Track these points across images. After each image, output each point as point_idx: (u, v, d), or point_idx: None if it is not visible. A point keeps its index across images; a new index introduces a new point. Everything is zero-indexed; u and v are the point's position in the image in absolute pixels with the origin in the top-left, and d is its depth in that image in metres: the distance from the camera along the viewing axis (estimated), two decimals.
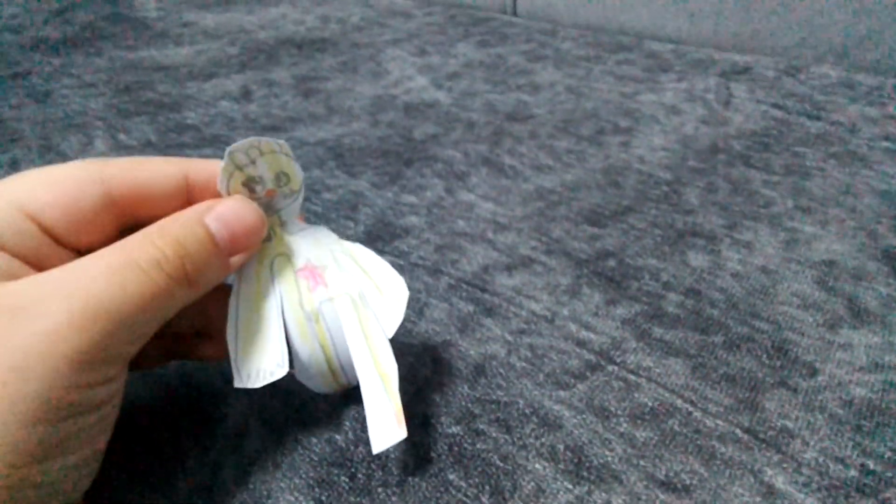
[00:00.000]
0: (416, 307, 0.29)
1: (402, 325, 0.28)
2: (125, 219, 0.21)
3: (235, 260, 0.20)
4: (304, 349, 0.22)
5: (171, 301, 0.18)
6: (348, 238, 0.34)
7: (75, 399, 0.16)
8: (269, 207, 0.22)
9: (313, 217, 0.36)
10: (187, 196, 0.21)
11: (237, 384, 0.21)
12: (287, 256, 0.22)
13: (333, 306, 0.22)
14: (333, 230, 0.34)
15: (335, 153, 0.43)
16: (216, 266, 0.20)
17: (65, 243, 0.20)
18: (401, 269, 0.32)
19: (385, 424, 0.20)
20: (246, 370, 0.21)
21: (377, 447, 0.20)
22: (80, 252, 0.20)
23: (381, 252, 0.33)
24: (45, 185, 0.19)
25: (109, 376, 0.18)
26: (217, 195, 0.21)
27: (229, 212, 0.20)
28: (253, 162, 0.21)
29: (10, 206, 0.19)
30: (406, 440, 0.23)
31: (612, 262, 0.32)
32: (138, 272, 0.17)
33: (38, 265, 0.19)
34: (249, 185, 0.21)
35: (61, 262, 0.18)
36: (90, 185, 0.20)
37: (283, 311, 0.22)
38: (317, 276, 0.22)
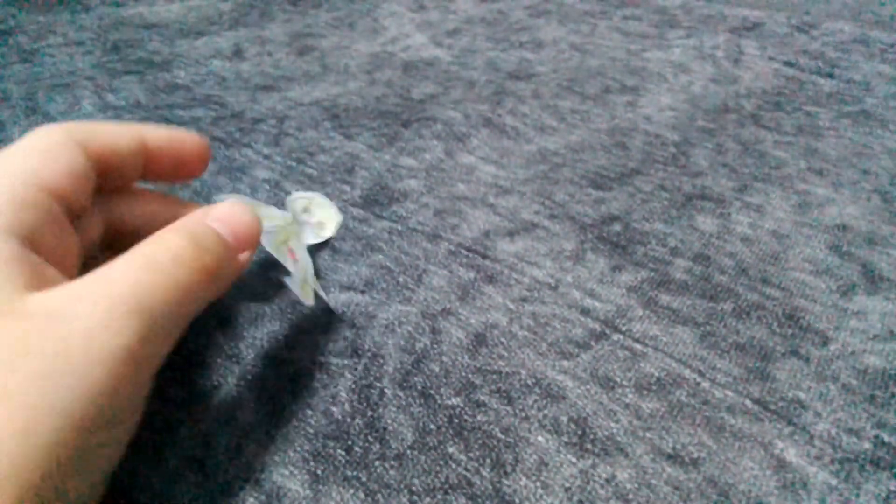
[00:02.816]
0: (414, 274, 0.28)
1: (399, 293, 0.27)
2: (99, 178, 0.21)
3: (243, 257, 0.21)
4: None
5: (197, 296, 0.18)
6: (345, 203, 0.33)
7: (117, 404, 0.16)
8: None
9: (308, 181, 0.35)
10: (144, 161, 0.22)
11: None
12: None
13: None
14: (329, 194, 0.33)
15: (331, 114, 0.42)
16: (230, 261, 0.20)
17: (70, 210, 0.19)
18: (399, 234, 0.31)
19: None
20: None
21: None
22: (77, 218, 0.20)
23: (378, 217, 0.32)
24: (46, 153, 0.19)
25: (146, 379, 0.17)
26: (171, 158, 0.22)
27: (227, 214, 0.20)
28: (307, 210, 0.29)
29: (33, 185, 0.18)
30: (404, 412, 0.22)
31: (617, 227, 0.31)
32: (165, 271, 0.17)
33: (56, 251, 0.18)
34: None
35: (72, 246, 0.19)
36: (75, 147, 0.19)
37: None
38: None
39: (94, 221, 0.22)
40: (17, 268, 0.16)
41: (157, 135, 0.22)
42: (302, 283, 0.24)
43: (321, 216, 0.30)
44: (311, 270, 0.26)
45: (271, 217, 0.25)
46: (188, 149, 0.23)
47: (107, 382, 0.15)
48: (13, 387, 0.14)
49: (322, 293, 0.26)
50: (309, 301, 0.24)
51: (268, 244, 0.23)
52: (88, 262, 0.21)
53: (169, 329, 0.18)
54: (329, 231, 0.30)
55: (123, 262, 0.17)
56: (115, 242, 0.23)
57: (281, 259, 0.24)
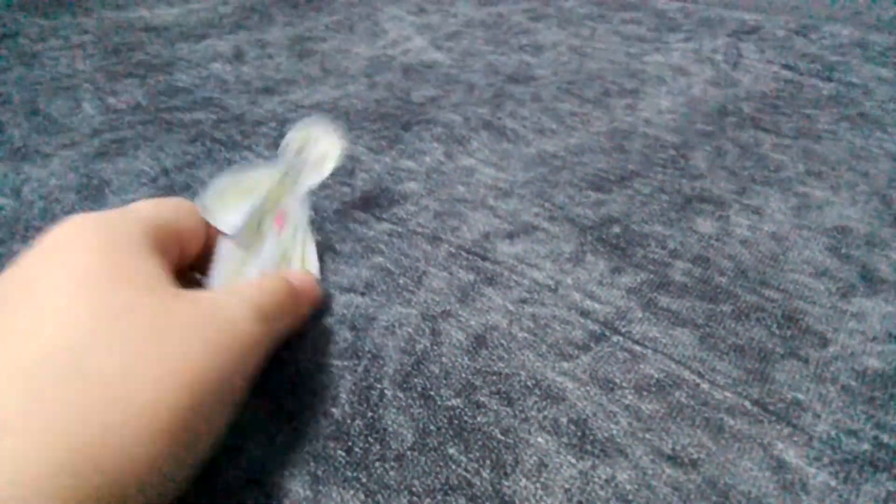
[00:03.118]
0: (414, 276, 0.29)
1: (399, 295, 0.27)
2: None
3: (307, 309, 0.24)
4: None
5: (291, 316, 0.23)
6: (344, 204, 0.33)
7: (244, 384, 0.19)
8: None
9: None
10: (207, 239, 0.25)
11: None
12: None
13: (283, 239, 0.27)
14: (329, 196, 0.33)
15: (331, 116, 0.42)
16: (307, 300, 0.24)
17: (182, 259, 0.23)
18: (399, 237, 0.31)
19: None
20: None
21: None
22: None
23: (378, 219, 0.32)
24: (188, 214, 0.23)
25: (256, 369, 0.20)
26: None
27: (298, 277, 0.24)
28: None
29: (171, 224, 0.22)
30: (404, 413, 0.22)
31: (617, 229, 0.31)
32: (277, 294, 0.22)
33: None
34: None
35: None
36: (202, 222, 0.24)
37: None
38: (281, 217, 0.26)
39: None
40: (166, 271, 0.20)
41: None
42: (281, 257, 0.25)
43: (321, 149, 0.29)
44: (302, 229, 0.27)
45: (258, 184, 0.26)
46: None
47: (245, 362, 0.19)
48: (186, 350, 0.17)
49: (314, 261, 0.27)
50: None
51: (245, 220, 0.24)
52: None
53: (278, 333, 0.22)
54: (330, 164, 0.29)
55: (251, 283, 0.22)
56: None
57: (253, 236, 0.25)
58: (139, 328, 0.17)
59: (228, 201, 0.25)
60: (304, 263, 0.27)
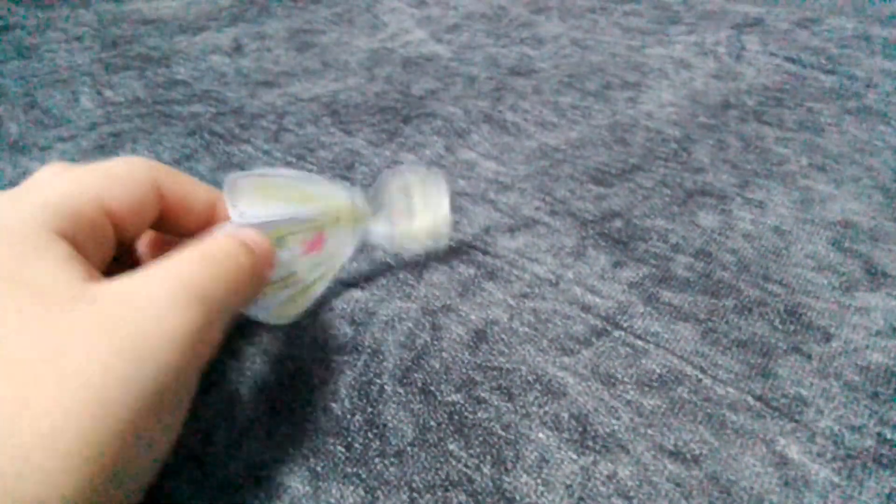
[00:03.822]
0: (414, 270, 0.28)
1: (399, 290, 0.27)
2: (157, 224, 0.22)
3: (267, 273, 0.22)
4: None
5: (246, 291, 0.20)
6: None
7: (181, 385, 0.17)
8: None
9: None
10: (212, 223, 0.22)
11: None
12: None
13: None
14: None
15: (330, 109, 0.42)
16: (264, 269, 0.21)
17: (121, 238, 0.20)
18: None
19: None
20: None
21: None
22: (125, 247, 0.21)
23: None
24: (118, 180, 0.20)
25: (202, 364, 0.18)
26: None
27: (249, 234, 0.21)
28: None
29: (93, 203, 0.19)
30: (404, 408, 0.22)
31: (618, 223, 0.31)
32: (221, 265, 0.18)
33: (95, 262, 0.19)
34: None
35: (107, 260, 0.19)
36: (149, 184, 0.21)
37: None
38: (315, 243, 0.24)
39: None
40: (76, 263, 0.17)
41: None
42: (293, 296, 0.24)
43: (426, 207, 0.25)
44: (337, 269, 0.25)
45: (308, 199, 0.23)
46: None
47: (176, 363, 0.16)
48: (94, 365, 0.15)
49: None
50: (285, 317, 0.24)
51: (264, 223, 0.22)
52: None
53: (223, 317, 0.18)
54: (443, 236, 0.25)
55: (184, 255, 0.18)
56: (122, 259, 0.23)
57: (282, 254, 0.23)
58: (26, 348, 0.15)
59: (262, 194, 0.22)
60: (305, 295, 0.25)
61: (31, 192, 0.18)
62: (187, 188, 0.22)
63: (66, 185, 0.19)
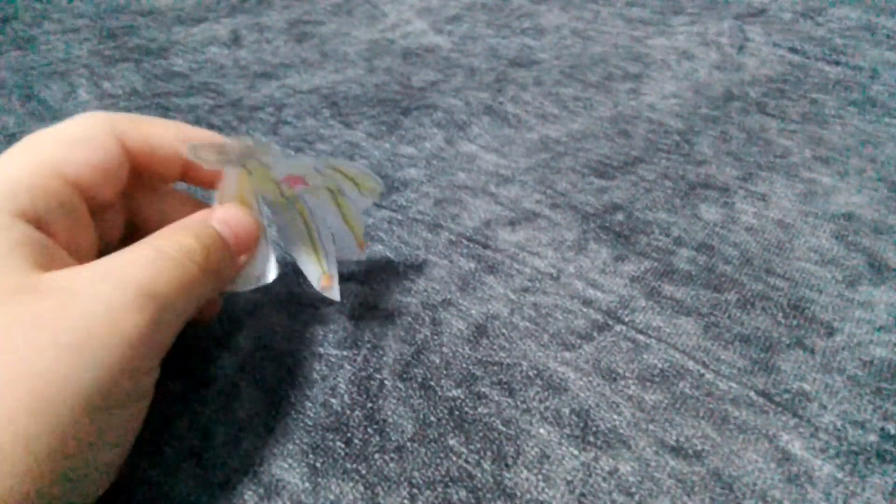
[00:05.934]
0: (414, 264, 0.28)
1: (399, 284, 0.27)
2: (133, 174, 0.21)
3: (242, 259, 0.21)
4: (289, 229, 0.24)
5: (202, 289, 0.19)
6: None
7: (129, 386, 0.16)
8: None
9: None
10: (185, 164, 0.21)
11: (228, 289, 0.22)
12: (269, 178, 0.22)
13: (313, 196, 0.24)
14: None
15: (330, 101, 0.41)
16: (229, 260, 0.20)
17: (92, 203, 0.19)
18: (399, 224, 0.30)
19: (314, 277, 0.24)
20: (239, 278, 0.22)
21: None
22: (100, 211, 0.20)
23: (378, 206, 0.32)
24: (76, 144, 0.19)
25: (154, 364, 0.17)
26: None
27: (229, 216, 0.20)
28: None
29: (53, 174, 0.18)
30: (404, 404, 0.22)
31: (620, 217, 0.31)
32: (174, 262, 0.18)
33: (70, 241, 0.18)
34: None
35: (88, 237, 0.19)
36: (111, 140, 0.19)
37: (266, 205, 0.23)
38: (297, 179, 0.23)
39: (118, 216, 0.22)
40: (28, 249, 0.16)
41: (197, 136, 0.21)
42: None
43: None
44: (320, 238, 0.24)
45: (300, 166, 0.23)
46: None
47: (124, 361, 0.15)
48: (32, 361, 0.14)
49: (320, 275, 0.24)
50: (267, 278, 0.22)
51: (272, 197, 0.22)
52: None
53: (175, 317, 0.18)
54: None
55: (135, 250, 0.18)
56: (135, 239, 0.22)
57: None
58: None
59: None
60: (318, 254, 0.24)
61: None
62: (153, 132, 0.20)
63: (18, 160, 0.18)
